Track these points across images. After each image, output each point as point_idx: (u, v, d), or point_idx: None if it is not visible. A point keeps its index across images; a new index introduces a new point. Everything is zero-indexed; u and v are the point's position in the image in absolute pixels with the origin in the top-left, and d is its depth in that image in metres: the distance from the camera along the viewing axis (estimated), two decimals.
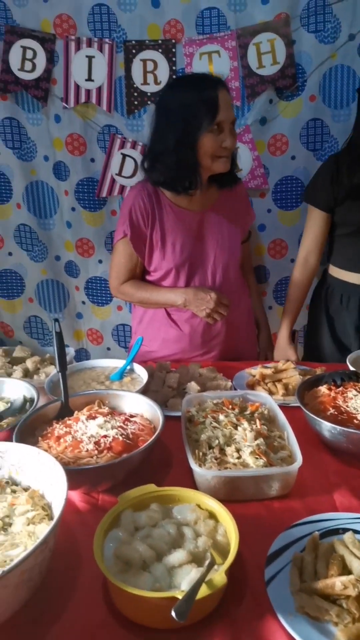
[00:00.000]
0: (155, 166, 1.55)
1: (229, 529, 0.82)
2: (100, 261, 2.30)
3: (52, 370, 1.49)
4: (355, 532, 0.87)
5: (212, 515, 0.87)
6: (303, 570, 0.81)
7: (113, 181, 2.11)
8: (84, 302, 2.40)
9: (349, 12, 1.85)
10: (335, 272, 1.81)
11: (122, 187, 2.13)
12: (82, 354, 2.51)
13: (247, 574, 0.83)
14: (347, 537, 0.85)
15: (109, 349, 2.46)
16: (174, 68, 1.94)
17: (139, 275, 1.71)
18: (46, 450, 0.96)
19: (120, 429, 1.05)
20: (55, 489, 0.84)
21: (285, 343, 1.81)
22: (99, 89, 1.98)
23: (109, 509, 0.87)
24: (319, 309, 1.88)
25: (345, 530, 0.88)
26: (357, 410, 1.13)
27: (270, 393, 1.40)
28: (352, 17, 1.86)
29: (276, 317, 2.32)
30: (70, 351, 1.57)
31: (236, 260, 1.71)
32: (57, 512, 0.78)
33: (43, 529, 0.80)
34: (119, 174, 2.10)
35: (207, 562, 0.77)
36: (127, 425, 1.07)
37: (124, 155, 2.06)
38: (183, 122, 1.46)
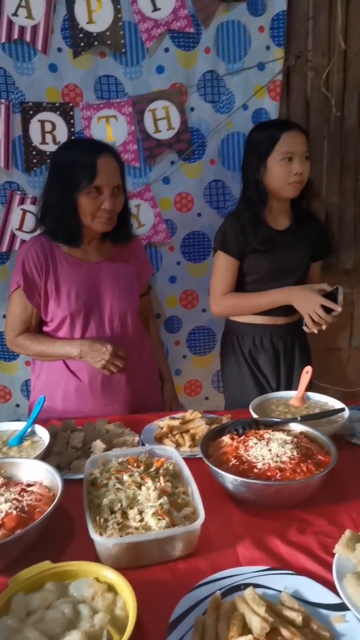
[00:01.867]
0: (44, 218, 1.63)
1: (127, 601, 0.79)
2: (4, 316, 2.22)
3: None
4: (256, 586, 0.88)
5: (110, 588, 0.83)
6: (205, 635, 0.79)
7: (13, 236, 2.09)
8: None
9: (240, 85, 2.05)
10: (244, 318, 1.92)
11: (23, 242, 2.10)
12: None
13: None
14: (247, 593, 0.85)
15: (17, 405, 2.35)
16: (72, 130, 1.99)
17: (35, 327, 1.69)
18: None
19: (15, 501, 0.99)
20: None
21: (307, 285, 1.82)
22: None
23: (1, 592, 0.80)
24: (232, 355, 1.97)
25: (246, 585, 0.88)
26: (257, 459, 1.16)
27: (178, 445, 1.40)
28: (244, 89, 2.06)
29: (191, 365, 2.38)
30: None
31: (134, 311, 1.74)
32: None
33: None
34: (19, 228, 2.08)
35: None
36: (22, 496, 1.01)
37: (25, 211, 2.05)
38: (65, 180, 1.54)
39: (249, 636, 0.75)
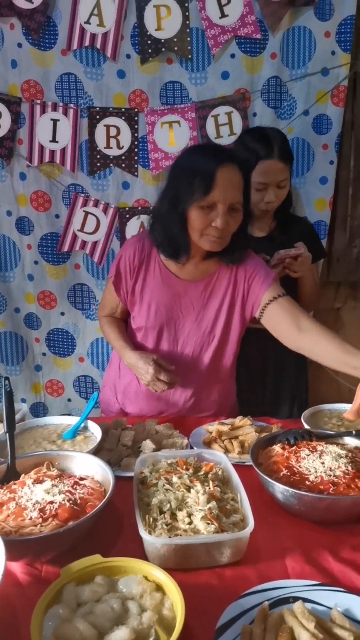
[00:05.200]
0: (154, 226, 1.51)
1: (175, 603, 0.79)
2: (62, 313, 2.31)
3: (1, 428, 1.44)
4: (305, 600, 0.86)
5: (159, 588, 0.84)
6: None
7: (75, 237, 2.15)
8: (44, 354, 2.38)
9: (302, 91, 2.03)
10: None
11: (84, 242, 2.17)
12: (39, 408, 2.45)
13: None
14: (297, 607, 0.83)
15: (69, 400, 2.43)
16: (136, 135, 2.04)
17: (120, 315, 1.69)
18: None
19: (68, 493, 1.01)
20: None
21: None
22: (63, 150, 2.05)
23: (52, 581, 0.83)
24: None
25: (295, 599, 0.86)
26: (310, 471, 1.13)
27: (227, 451, 1.39)
28: (305, 95, 2.03)
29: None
30: (23, 407, 1.53)
31: (214, 344, 1.58)
32: None
33: None
34: (81, 230, 2.14)
35: None
36: (75, 489, 1.04)
37: (87, 213, 2.11)
38: (179, 188, 1.39)
39: None
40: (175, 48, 1.96)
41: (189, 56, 1.98)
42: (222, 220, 1.36)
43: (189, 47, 1.97)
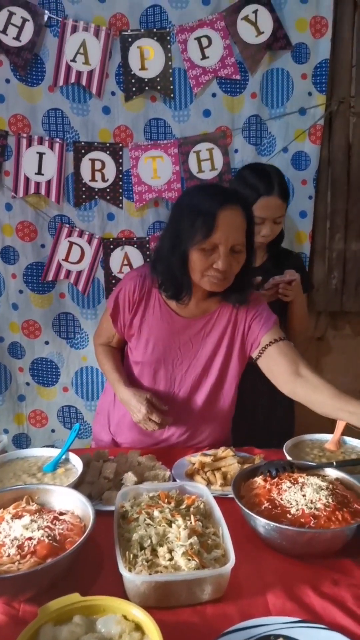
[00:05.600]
0: (155, 265, 1.49)
1: None
2: (46, 342, 2.30)
3: None
4: (287, 638, 0.85)
5: (138, 627, 0.82)
6: None
7: (60, 266, 2.17)
8: (28, 384, 2.35)
9: (282, 129, 2.11)
10: None
11: (68, 272, 2.19)
12: (22, 439, 2.41)
13: None
14: None
15: (53, 430, 2.40)
16: (120, 168, 2.09)
17: (116, 344, 1.68)
18: None
19: (47, 529, 1.00)
20: None
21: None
22: (49, 182, 2.09)
23: (30, 621, 0.81)
24: None
25: (277, 636, 0.86)
26: (291, 504, 1.13)
27: (209, 483, 1.39)
28: (285, 133, 2.12)
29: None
30: (3, 439, 1.51)
31: (210, 382, 1.57)
32: None
33: None
34: (66, 259, 2.16)
35: None
36: (55, 524, 1.02)
37: (71, 243, 2.14)
38: (180, 230, 1.38)
39: None
40: (159, 87, 2.04)
41: (172, 95, 2.05)
42: (223, 262, 1.35)
43: (171, 87, 2.04)
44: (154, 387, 1.58)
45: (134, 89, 2.03)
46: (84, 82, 2.02)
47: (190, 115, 2.08)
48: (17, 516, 1.04)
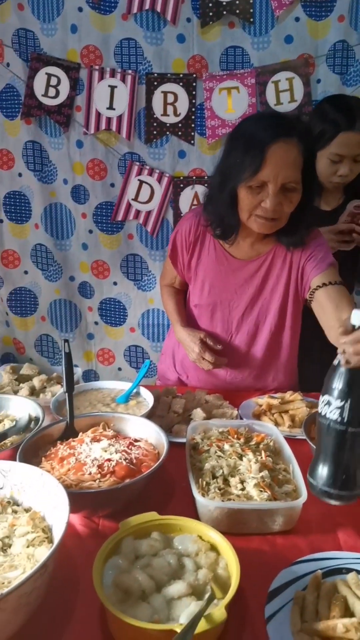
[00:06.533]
0: (206, 203, 1.44)
1: (230, 563, 0.81)
2: (115, 283, 2.34)
3: (59, 389, 1.49)
4: (359, 572, 0.86)
5: (213, 548, 0.86)
6: (304, 610, 0.79)
7: (129, 206, 2.16)
8: (96, 323, 2.43)
9: None
10: None
11: (138, 212, 2.18)
12: (90, 375, 2.52)
13: (247, 610, 0.82)
14: (351, 577, 0.83)
15: (120, 369, 2.48)
16: (193, 101, 2.01)
17: (179, 285, 1.69)
18: (49, 472, 0.95)
19: (124, 453, 1.04)
20: (57, 512, 0.84)
21: None
22: (120, 118, 2.04)
23: (109, 535, 0.86)
24: None
25: (348, 570, 0.86)
26: None
27: (276, 424, 1.39)
28: None
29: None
30: (78, 371, 1.58)
31: (270, 325, 1.52)
32: (57, 535, 0.78)
33: (43, 553, 0.79)
34: (135, 199, 2.14)
35: (207, 596, 0.75)
36: (131, 449, 1.07)
37: (141, 182, 2.11)
38: (229, 165, 1.30)
39: (354, 619, 0.73)
40: (237, 11, 1.89)
41: (251, 20, 1.90)
42: (272, 201, 1.26)
43: (251, 10, 1.89)
44: (211, 329, 1.58)
45: (211, 14, 1.90)
46: (158, 9, 1.91)
47: (270, 42, 1.93)
48: (95, 440, 1.09)
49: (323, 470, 0.91)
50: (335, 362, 0.89)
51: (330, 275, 1.40)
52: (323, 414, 0.89)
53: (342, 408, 0.86)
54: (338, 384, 0.87)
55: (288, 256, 1.46)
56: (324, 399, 0.90)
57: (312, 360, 1.84)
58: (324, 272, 1.40)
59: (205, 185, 1.94)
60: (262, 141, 1.22)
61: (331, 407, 0.88)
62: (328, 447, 0.90)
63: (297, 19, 1.91)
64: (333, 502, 0.90)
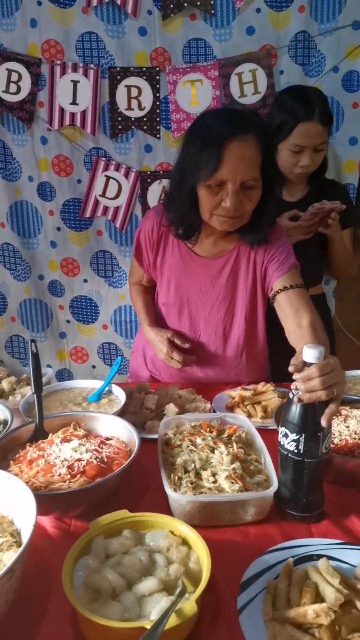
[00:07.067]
0: (167, 202, 1.42)
1: (201, 556, 0.81)
2: (85, 280, 2.32)
3: (28, 391, 1.47)
4: (330, 558, 0.87)
5: (185, 542, 0.85)
6: (276, 598, 0.80)
7: (97, 202, 2.14)
8: (68, 321, 2.40)
9: (332, 46, 1.93)
10: None
11: (106, 208, 2.16)
12: (64, 374, 2.50)
13: (220, 601, 0.82)
14: (321, 563, 0.84)
15: (94, 366, 2.47)
16: (157, 95, 1.99)
17: (147, 283, 1.67)
18: (17, 475, 0.94)
19: (95, 452, 1.03)
20: (25, 514, 0.83)
21: None
22: (84, 113, 2.01)
23: (81, 535, 0.85)
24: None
25: (319, 556, 0.87)
26: (334, 434, 1.13)
27: (249, 415, 1.40)
28: (335, 51, 1.94)
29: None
30: (48, 371, 1.56)
31: (239, 323, 1.52)
32: (25, 538, 0.76)
33: (11, 557, 0.78)
34: (103, 195, 2.12)
35: (178, 591, 0.75)
36: (102, 448, 1.06)
37: (108, 177, 2.09)
38: (187, 162, 1.27)
39: (324, 604, 0.74)
40: (198, 3, 1.88)
41: (212, 11, 1.90)
42: (232, 200, 1.24)
43: (212, 2, 1.89)
44: (179, 328, 1.57)
45: (172, 6, 1.89)
46: (119, 1, 1.89)
47: (232, 33, 1.93)
48: (65, 440, 1.08)
49: (286, 495, 1.00)
50: (290, 395, 0.96)
51: (292, 278, 1.39)
52: (282, 444, 0.98)
53: (297, 441, 0.94)
54: (293, 418, 0.95)
55: (252, 255, 1.45)
56: (281, 430, 0.98)
57: (283, 351, 1.86)
58: (286, 275, 1.39)
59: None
60: (218, 139, 1.20)
61: (288, 439, 0.96)
62: (288, 475, 0.99)
63: (258, 10, 1.91)
64: (296, 522, 0.99)
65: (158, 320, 1.62)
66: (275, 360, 1.75)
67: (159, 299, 1.62)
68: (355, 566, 0.86)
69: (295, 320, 1.33)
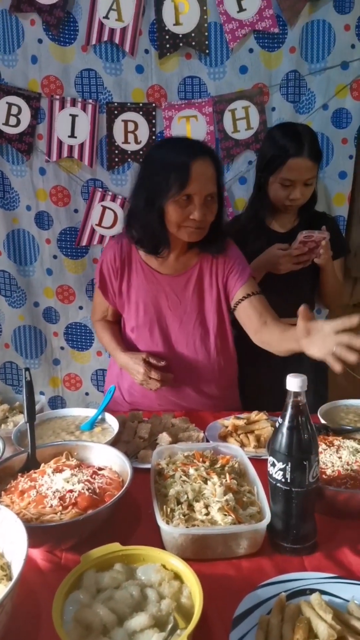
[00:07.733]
0: (130, 223, 1.53)
1: (193, 591, 0.80)
2: (80, 307, 2.33)
3: (21, 419, 1.46)
4: (323, 592, 0.86)
5: (177, 576, 0.85)
6: (269, 634, 0.79)
7: (93, 231, 2.18)
8: (62, 348, 2.40)
9: (322, 84, 2.01)
10: None
11: (102, 237, 2.19)
12: (57, 402, 2.48)
13: (212, 637, 0.81)
14: (314, 598, 0.83)
15: (87, 393, 2.46)
16: (153, 130, 2.05)
17: (111, 317, 1.72)
18: (8, 506, 0.93)
19: (87, 482, 1.03)
20: (15, 547, 0.82)
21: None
22: (82, 145, 2.07)
23: (72, 568, 0.84)
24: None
25: (312, 590, 0.87)
26: (327, 465, 1.13)
27: (242, 445, 1.40)
28: (324, 90, 2.02)
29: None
30: (42, 399, 1.56)
31: (210, 336, 1.60)
32: (16, 572, 0.76)
33: (0, 591, 0.77)
34: (99, 224, 2.16)
35: (169, 627, 0.74)
36: (94, 479, 1.05)
37: (104, 207, 2.13)
38: (154, 184, 1.40)
39: None
40: (193, 43, 1.96)
41: (207, 51, 1.98)
42: (200, 212, 1.39)
43: (207, 42, 1.97)
44: (152, 348, 1.61)
45: (167, 45, 1.97)
46: (117, 40, 1.96)
47: (226, 72, 2.00)
48: (58, 470, 1.07)
49: (277, 526, 0.99)
50: (277, 424, 0.98)
51: (251, 287, 1.55)
52: (270, 473, 0.99)
53: (284, 470, 0.95)
54: (279, 446, 0.96)
55: (213, 268, 1.57)
56: (269, 459, 0.99)
57: (276, 380, 1.87)
58: (246, 284, 1.54)
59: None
60: (186, 159, 1.36)
61: (275, 468, 0.97)
62: (278, 505, 0.99)
63: (250, 50, 1.99)
64: (288, 555, 0.98)
65: (129, 349, 1.65)
66: (268, 390, 1.76)
67: (127, 326, 1.65)
68: (348, 600, 0.85)
69: (260, 321, 1.50)
